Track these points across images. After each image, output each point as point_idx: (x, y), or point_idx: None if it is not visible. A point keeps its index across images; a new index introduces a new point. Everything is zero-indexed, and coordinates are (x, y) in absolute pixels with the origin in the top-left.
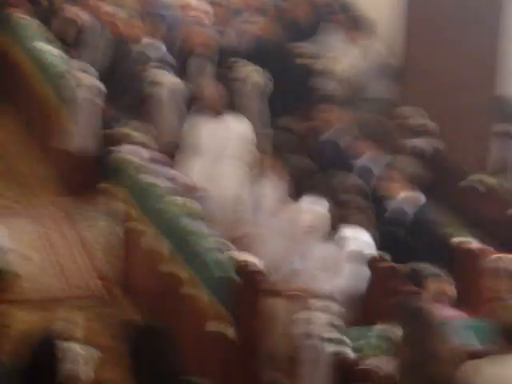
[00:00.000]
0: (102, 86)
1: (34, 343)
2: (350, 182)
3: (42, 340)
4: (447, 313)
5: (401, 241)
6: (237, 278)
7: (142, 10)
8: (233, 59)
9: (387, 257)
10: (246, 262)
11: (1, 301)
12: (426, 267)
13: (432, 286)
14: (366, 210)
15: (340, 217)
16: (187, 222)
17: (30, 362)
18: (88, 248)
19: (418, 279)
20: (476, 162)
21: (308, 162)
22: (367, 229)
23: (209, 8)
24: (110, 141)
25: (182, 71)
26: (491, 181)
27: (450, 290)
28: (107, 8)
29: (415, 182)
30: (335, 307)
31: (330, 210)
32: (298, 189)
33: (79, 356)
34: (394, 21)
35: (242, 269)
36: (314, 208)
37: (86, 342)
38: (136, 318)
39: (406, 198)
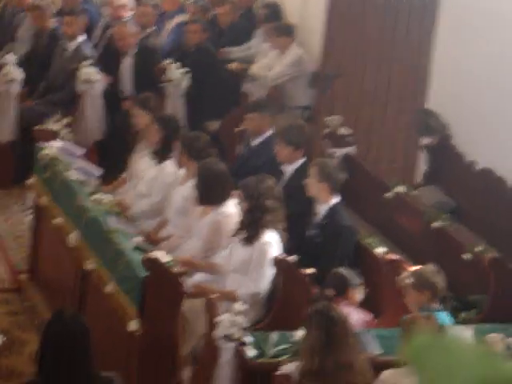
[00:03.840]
0: (21, 77)
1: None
2: (264, 185)
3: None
4: (359, 319)
5: (314, 243)
6: (147, 274)
7: (65, 4)
8: (160, 60)
9: (298, 260)
10: (155, 259)
11: None
12: (350, 274)
13: (354, 293)
14: (278, 214)
15: (254, 220)
16: (108, 220)
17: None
18: (1, 240)
19: (341, 286)
20: (402, 173)
21: (223, 165)
22: (279, 232)
23: (126, 2)
24: (39, 136)
25: (103, 68)
26: (411, 193)
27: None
28: (41, 2)
29: (335, 185)
30: (249, 310)
31: (246, 213)
32: (213, 192)
33: None
34: (318, 27)
35: (151, 265)
36: (236, 211)
37: None
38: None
39: (321, 199)
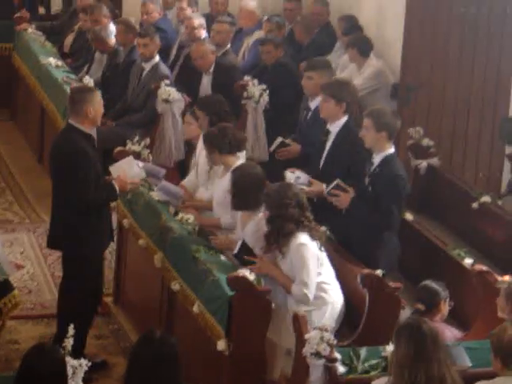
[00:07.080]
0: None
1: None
2: (286, 193)
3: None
4: (448, 333)
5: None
6: (233, 293)
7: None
8: (239, 77)
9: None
10: (242, 277)
11: (9, 317)
12: (440, 286)
13: (444, 307)
14: (305, 220)
15: (276, 229)
16: (193, 240)
17: (22, 375)
18: None
19: (432, 299)
20: (486, 183)
21: (258, 168)
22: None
23: (203, 22)
24: (119, 158)
25: (181, 87)
26: (496, 202)
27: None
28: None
29: (393, 133)
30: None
31: (267, 222)
32: (248, 197)
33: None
34: (396, 38)
35: (238, 284)
36: None
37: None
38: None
39: (378, 149)
